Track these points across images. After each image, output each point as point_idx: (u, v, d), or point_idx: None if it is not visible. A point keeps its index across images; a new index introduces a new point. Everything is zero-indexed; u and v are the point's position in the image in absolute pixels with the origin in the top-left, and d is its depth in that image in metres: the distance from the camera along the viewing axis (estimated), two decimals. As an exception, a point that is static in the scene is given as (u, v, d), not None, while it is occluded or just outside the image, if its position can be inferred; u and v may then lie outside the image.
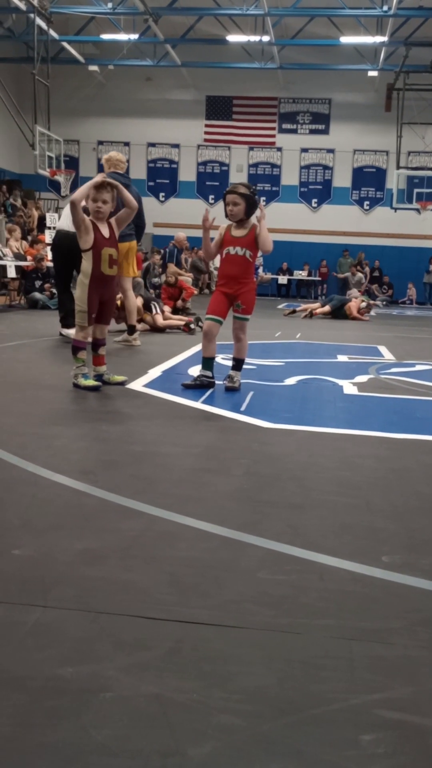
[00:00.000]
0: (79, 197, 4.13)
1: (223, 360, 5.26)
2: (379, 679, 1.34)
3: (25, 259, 11.78)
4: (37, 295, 11.11)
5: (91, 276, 4.14)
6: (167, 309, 11.07)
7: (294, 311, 12.66)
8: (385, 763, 1.11)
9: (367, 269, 20.65)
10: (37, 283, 11.26)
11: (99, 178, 4.25)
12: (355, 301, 12.89)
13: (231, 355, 4.55)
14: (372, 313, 13.66)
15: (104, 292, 4.26)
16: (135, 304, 6.67)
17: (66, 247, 6.42)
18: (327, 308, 12.51)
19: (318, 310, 12.49)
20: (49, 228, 13.99)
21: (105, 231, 4.20)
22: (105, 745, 1.11)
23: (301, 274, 21.38)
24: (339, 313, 12.41)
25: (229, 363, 4.59)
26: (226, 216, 4.31)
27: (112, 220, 4.27)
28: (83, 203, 4.20)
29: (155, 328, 8.04)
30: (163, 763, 1.08)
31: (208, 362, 4.39)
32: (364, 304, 12.94)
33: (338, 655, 1.41)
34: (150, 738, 1.13)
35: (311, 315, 12.33)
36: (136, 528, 2.01)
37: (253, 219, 4.33)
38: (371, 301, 14.21)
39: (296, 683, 1.31)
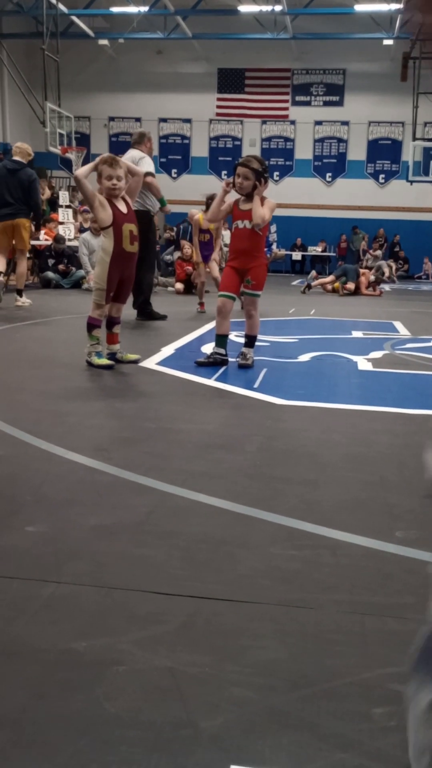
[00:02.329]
0: (83, 172, 4.07)
1: (237, 337, 5.23)
2: (392, 653, 1.33)
3: (38, 238, 11.76)
4: (50, 274, 11.11)
5: (113, 254, 4.09)
6: (180, 286, 11.04)
7: (309, 286, 12.53)
8: (397, 736, 1.10)
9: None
10: (50, 262, 11.26)
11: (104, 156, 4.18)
12: (365, 275, 12.63)
13: (243, 332, 4.53)
14: (386, 288, 13.51)
15: (125, 270, 4.21)
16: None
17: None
18: (332, 278, 12.41)
19: (330, 285, 12.32)
20: (62, 206, 13.94)
21: (122, 206, 4.14)
22: (118, 717, 1.12)
23: (315, 250, 21.15)
24: (353, 278, 12.24)
25: (242, 340, 4.56)
26: (235, 188, 4.25)
27: (126, 195, 4.22)
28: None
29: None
30: (176, 734, 1.09)
31: (221, 339, 4.37)
32: (372, 278, 12.77)
33: (351, 629, 1.41)
34: (163, 710, 1.14)
35: (333, 289, 12.23)
36: (149, 504, 2.02)
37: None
38: (381, 277, 13.94)
39: (309, 657, 1.31)
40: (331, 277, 12.64)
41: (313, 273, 12.60)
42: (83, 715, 1.13)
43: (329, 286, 12.40)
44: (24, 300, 7.79)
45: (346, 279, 12.30)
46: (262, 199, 4.20)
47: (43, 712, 1.13)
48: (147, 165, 6.46)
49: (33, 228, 8.07)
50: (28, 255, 11.74)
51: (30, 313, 7.27)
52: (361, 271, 12.86)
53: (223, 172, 21.50)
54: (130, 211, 4.19)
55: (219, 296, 4.37)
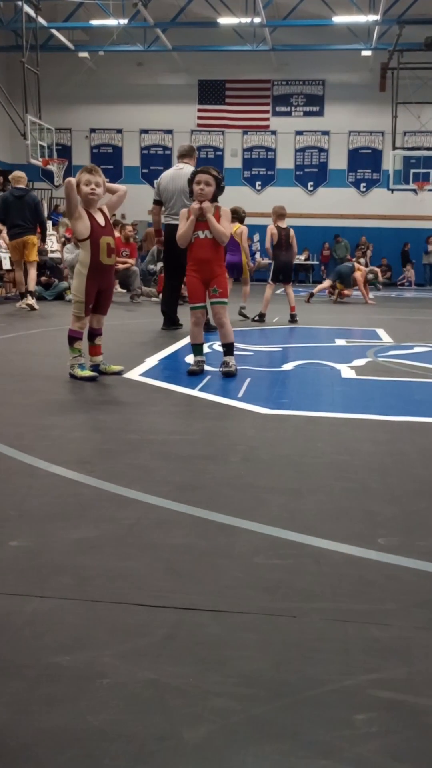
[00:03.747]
0: (76, 180, 4.10)
1: (218, 347, 5.25)
2: (374, 660, 1.35)
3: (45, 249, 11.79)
4: (33, 286, 11.06)
5: (90, 266, 4.11)
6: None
7: (312, 295, 12.61)
8: (379, 742, 1.12)
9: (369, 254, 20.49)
10: (33, 274, 11.21)
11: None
12: (360, 271, 12.60)
13: (220, 342, 4.55)
14: (370, 296, 13.62)
15: (102, 282, 4.23)
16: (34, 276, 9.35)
17: (167, 239, 6.76)
18: (328, 282, 12.50)
19: (345, 291, 12.41)
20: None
21: (100, 219, 4.16)
22: (102, 730, 1.13)
23: (299, 258, 21.27)
24: (347, 281, 12.37)
25: (221, 350, 4.58)
26: (192, 196, 4.27)
27: (104, 207, 4.24)
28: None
29: None
30: (159, 746, 1.09)
31: (199, 347, 4.45)
32: (371, 276, 12.89)
33: (333, 637, 1.43)
34: (146, 722, 1.15)
35: (340, 296, 12.32)
36: (132, 516, 2.03)
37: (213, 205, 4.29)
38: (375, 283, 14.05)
39: (291, 666, 1.32)
40: (328, 282, 12.66)
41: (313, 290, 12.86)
42: (67, 730, 1.13)
43: (330, 290, 12.48)
44: (32, 301, 9.10)
45: (342, 283, 12.37)
46: (217, 214, 4.22)
47: (27, 727, 1.13)
48: None
49: (39, 241, 9.54)
50: (11, 268, 11.99)
51: (12, 325, 7.26)
52: (356, 266, 12.75)
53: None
54: (108, 224, 4.21)
55: (193, 308, 4.37)
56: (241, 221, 8.21)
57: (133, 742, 1.10)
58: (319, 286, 12.64)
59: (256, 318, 8.33)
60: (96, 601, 1.54)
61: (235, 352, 4.49)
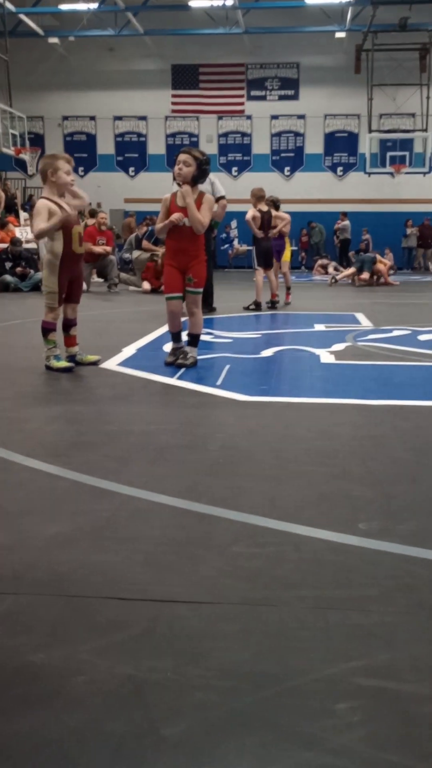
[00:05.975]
0: (48, 229, 4.04)
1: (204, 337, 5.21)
2: (356, 647, 1.33)
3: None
4: (8, 277, 10.92)
5: (63, 256, 4.05)
6: (147, 286, 10.93)
7: (335, 279, 13.26)
8: (362, 731, 1.10)
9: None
10: (8, 265, 11.06)
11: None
12: (383, 262, 13.40)
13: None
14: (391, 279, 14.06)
15: (73, 271, 4.18)
16: None
17: None
18: (352, 270, 13.21)
19: (362, 276, 13.00)
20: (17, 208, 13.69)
21: (68, 208, 4.10)
22: (77, 730, 1.09)
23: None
24: (369, 268, 13.14)
25: (210, 339, 4.53)
26: (174, 178, 4.20)
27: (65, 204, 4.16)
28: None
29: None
30: (137, 743, 1.07)
31: (177, 335, 4.38)
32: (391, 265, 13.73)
33: (314, 625, 1.41)
34: (124, 720, 1.12)
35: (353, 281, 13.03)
36: (109, 508, 1.99)
37: (202, 188, 4.22)
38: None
39: (272, 656, 1.30)
40: (352, 269, 13.30)
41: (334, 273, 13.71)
42: (42, 730, 1.10)
43: (353, 277, 13.19)
44: None
45: (363, 269, 12.99)
46: (199, 201, 4.14)
47: (1, 729, 1.10)
48: (220, 188, 6.89)
49: None
50: None
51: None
52: (379, 258, 13.50)
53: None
54: (75, 213, 4.20)
55: (168, 299, 4.30)
56: (277, 209, 8.43)
57: (110, 741, 1.07)
58: (343, 273, 13.36)
59: (252, 306, 8.12)
60: (72, 596, 1.50)
61: (216, 339, 4.45)
